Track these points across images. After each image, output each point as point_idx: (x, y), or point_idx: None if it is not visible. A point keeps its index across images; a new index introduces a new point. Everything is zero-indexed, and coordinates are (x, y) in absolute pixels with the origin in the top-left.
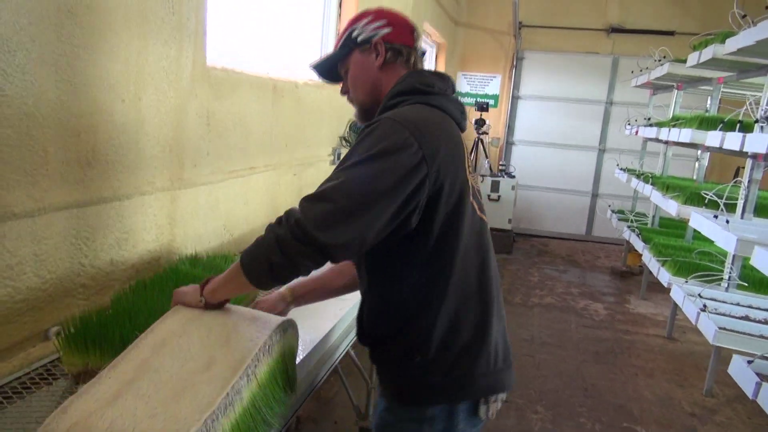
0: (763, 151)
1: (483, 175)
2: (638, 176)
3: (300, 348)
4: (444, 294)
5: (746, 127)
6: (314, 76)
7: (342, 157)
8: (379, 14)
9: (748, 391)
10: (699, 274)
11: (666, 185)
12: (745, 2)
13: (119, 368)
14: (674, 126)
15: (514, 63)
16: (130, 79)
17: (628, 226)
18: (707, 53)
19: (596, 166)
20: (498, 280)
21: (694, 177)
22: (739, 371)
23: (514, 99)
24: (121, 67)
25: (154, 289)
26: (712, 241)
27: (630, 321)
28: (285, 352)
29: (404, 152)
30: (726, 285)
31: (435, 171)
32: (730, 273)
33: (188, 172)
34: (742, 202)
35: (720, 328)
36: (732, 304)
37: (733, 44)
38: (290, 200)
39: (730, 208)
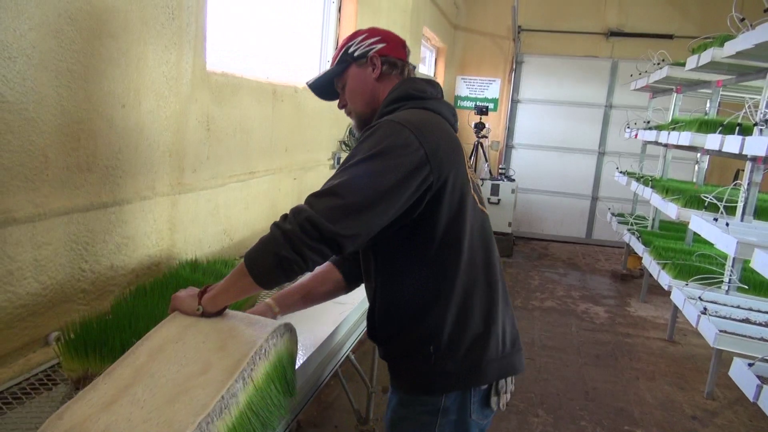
0: (763, 154)
1: (483, 179)
2: (638, 179)
3: (300, 352)
4: (453, 285)
5: (745, 130)
6: None
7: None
8: (373, 32)
9: (749, 394)
10: (699, 276)
11: (666, 188)
12: (744, 6)
13: (115, 374)
14: (674, 129)
15: (514, 67)
16: (130, 85)
17: (628, 229)
18: (706, 56)
19: (596, 170)
20: (501, 269)
21: (694, 180)
22: (740, 374)
23: (514, 103)
24: (122, 73)
25: (155, 295)
26: (712, 244)
27: (631, 324)
28: (283, 355)
29: (406, 150)
30: (726, 288)
31: (437, 166)
32: (730, 276)
33: (188, 177)
34: (742, 204)
35: (720, 330)
36: (732, 306)
37: (731, 47)
38: (290, 204)
39: (730, 210)
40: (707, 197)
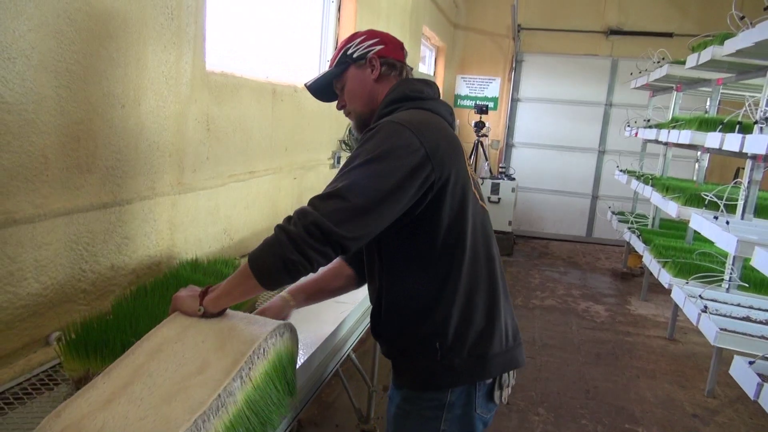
0: (763, 152)
1: (483, 178)
2: (638, 178)
3: (301, 351)
4: (457, 282)
5: (746, 128)
6: None
7: (342, 160)
8: (371, 34)
9: (750, 392)
10: (700, 275)
11: (666, 187)
12: (744, 4)
13: (114, 373)
14: (674, 127)
15: (514, 65)
16: (129, 85)
17: (629, 228)
18: (706, 55)
19: (596, 168)
20: (501, 264)
21: (694, 178)
22: (741, 372)
23: (514, 101)
24: (121, 73)
25: (155, 294)
26: (713, 242)
27: (631, 322)
28: (283, 355)
29: (408, 150)
30: (727, 286)
31: (439, 165)
32: (730, 274)
33: (188, 177)
34: (742, 203)
35: (721, 329)
36: (733, 305)
37: (731, 46)
38: (291, 204)
39: (731, 209)
40: (707, 195)
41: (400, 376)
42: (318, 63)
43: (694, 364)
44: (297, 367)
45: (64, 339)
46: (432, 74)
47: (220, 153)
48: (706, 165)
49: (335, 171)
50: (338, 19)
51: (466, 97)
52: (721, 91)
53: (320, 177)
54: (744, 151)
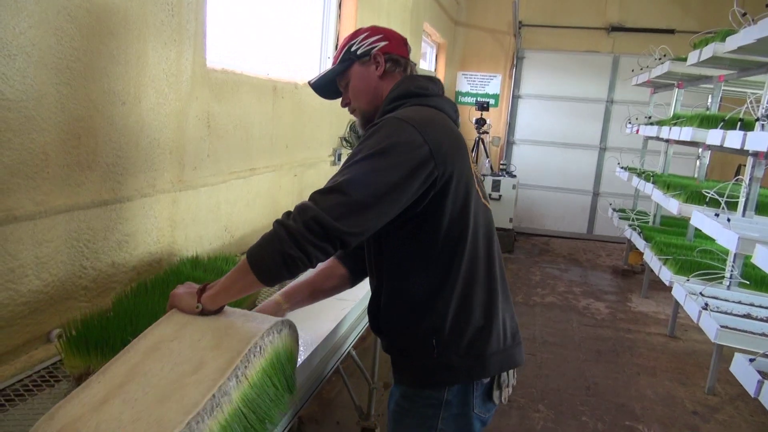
0: (764, 149)
1: (484, 175)
2: (639, 175)
3: (301, 349)
4: (455, 279)
5: (747, 126)
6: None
7: (342, 157)
8: (375, 30)
9: (750, 390)
10: (700, 272)
11: (667, 184)
12: (746, 1)
13: (109, 373)
14: (675, 124)
15: (515, 62)
16: (130, 82)
17: (630, 225)
18: (708, 51)
19: (597, 165)
20: (502, 264)
21: (695, 175)
22: (741, 369)
23: (515, 98)
24: (121, 70)
25: (156, 291)
26: (714, 240)
27: (632, 320)
28: (281, 352)
29: (411, 146)
30: (728, 283)
31: (442, 162)
32: (731, 271)
33: (189, 174)
34: (744, 200)
35: (722, 326)
36: (734, 302)
37: (733, 42)
38: (291, 201)
39: (732, 206)
40: (709, 193)
41: (398, 372)
42: (319, 60)
43: (694, 361)
44: (297, 364)
45: (64, 336)
46: (433, 71)
47: (220, 150)
48: (708, 162)
49: (336, 168)
50: (339, 16)
51: (467, 94)
52: (722, 88)
53: (321, 174)
54: (745, 148)
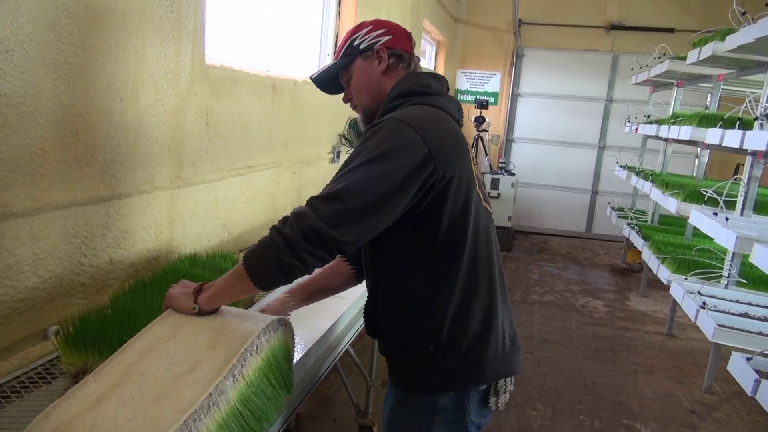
0: (763, 148)
1: (483, 173)
2: (638, 173)
3: (299, 346)
4: (453, 283)
5: (746, 125)
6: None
7: (342, 155)
8: (378, 24)
9: (747, 388)
10: (698, 271)
11: (666, 182)
12: (745, 0)
13: (105, 372)
14: (674, 123)
15: (514, 60)
16: (128, 78)
17: (628, 224)
18: (707, 50)
19: (596, 164)
20: (502, 268)
21: (694, 174)
22: (739, 368)
23: (514, 96)
24: (120, 66)
25: (153, 289)
26: (712, 239)
27: (630, 318)
28: (277, 351)
29: (410, 149)
30: (725, 282)
31: (442, 164)
32: (729, 270)
33: (187, 171)
34: (742, 199)
35: (719, 325)
36: (731, 301)
37: (733, 41)
38: (290, 198)
39: (730, 205)
40: (707, 192)
41: (394, 375)
42: (318, 57)
43: (692, 360)
44: (294, 362)
45: (62, 333)
46: (432, 69)
47: (219, 147)
48: (706, 161)
49: (335, 166)
50: (339, 13)
51: (467, 92)
52: (721, 87)
53: (320, 172)
54: (744, 147)
